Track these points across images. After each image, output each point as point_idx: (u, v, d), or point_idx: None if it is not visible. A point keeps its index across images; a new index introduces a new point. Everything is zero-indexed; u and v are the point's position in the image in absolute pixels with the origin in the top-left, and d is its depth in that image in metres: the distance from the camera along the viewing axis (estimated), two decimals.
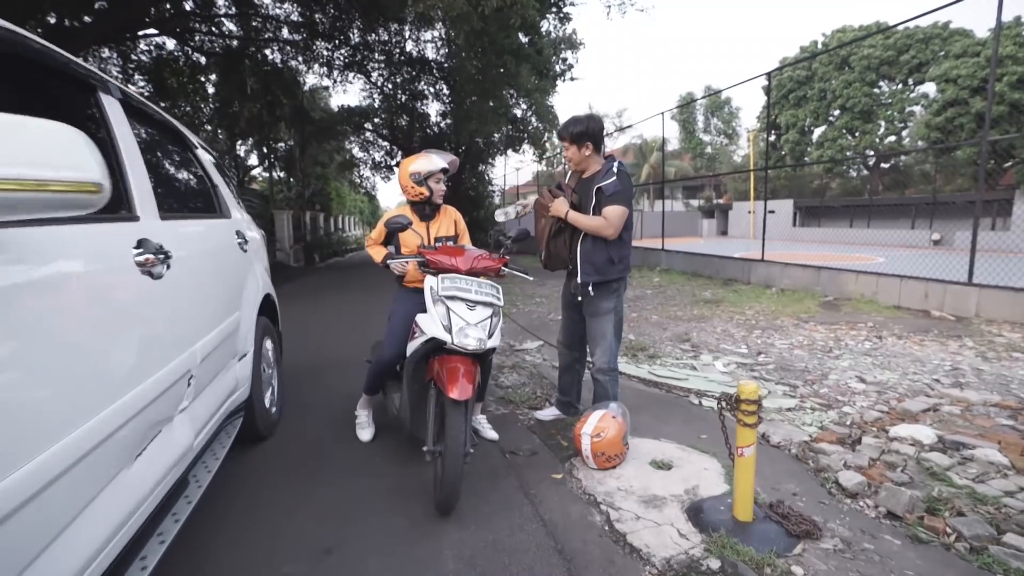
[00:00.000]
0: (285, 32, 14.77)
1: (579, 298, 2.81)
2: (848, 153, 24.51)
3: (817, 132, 26.37)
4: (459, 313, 2.09)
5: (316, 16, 13.73)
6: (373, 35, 14.78)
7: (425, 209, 2.71)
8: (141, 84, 13.41)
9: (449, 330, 2.06)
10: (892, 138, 24.33)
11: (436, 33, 15.80)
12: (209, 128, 16.56)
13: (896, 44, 22.57)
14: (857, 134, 24.86)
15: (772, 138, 29.72)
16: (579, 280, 2.76)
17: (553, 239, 2.84)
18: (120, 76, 12.79)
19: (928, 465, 2.48)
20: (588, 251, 2.71)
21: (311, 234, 20.38)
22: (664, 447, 2.76)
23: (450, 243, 2.67)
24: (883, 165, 26.19)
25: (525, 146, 20.22)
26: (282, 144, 20.96)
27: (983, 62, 18.27)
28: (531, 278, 2.58)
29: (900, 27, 22.90)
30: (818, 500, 2.26)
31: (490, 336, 2.12)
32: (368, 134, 21.99)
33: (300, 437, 2.99)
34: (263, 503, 2.28)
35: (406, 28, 15.01)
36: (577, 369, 3.11)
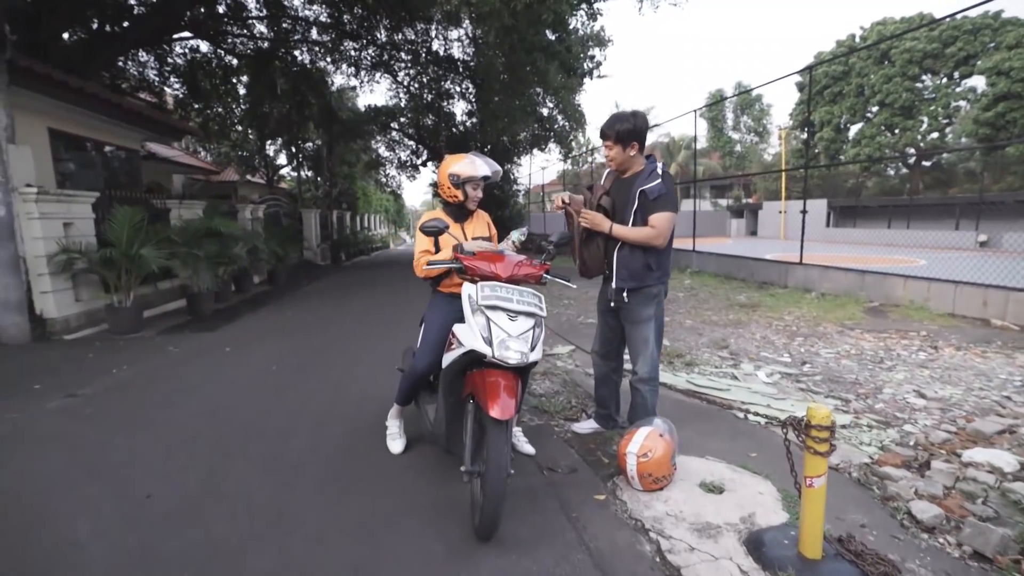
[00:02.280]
0: (314, 33, 14.92)
1: (613, 304, 2.66)
2: (887, 151, 23.50)
3: (854, 129, 25.36)
4: (500, 324, 1.96)
5: (344, 16, 13.83)
6: (400, 35, 14.81)
7: (460, 210, 2.60)
8: (176, 86, 13.74)
9: (489, 342, 1.93)
10: (935, 135, 23.20)
11: (463, 32, 15.76)
12: (240, 128, 16.86)
13: (941, 36, 21.51)
14: (897, 131, 23.81)
15: (805, 136, 28.77)
16: (614, 287, 2.61)
17: (585, 245, 2.70)
18: (157, 78, 13.12)
19: (1016, 497, 2.24)
20: (625, 257, 2.57)
21: (338, 233, 20.59)
22: (713, 467, 2.58)
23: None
24: (924, 163, 25.04)
25: (551, 145, 20.04)
26: (310, 144, 21.25)
27: None
28: (573, 286, 2.43)
29: (947, 19, 21.86)
30: (891, 534, 2.05)
31: (532, 349, 1.99)
32: (394, 133, 22.15)
33: (327, 446, 2.91)
34: (289, 518, 2.19)
35: (433, 27, 15.01)
36: (614, 380, 2.95)
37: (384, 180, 27.21)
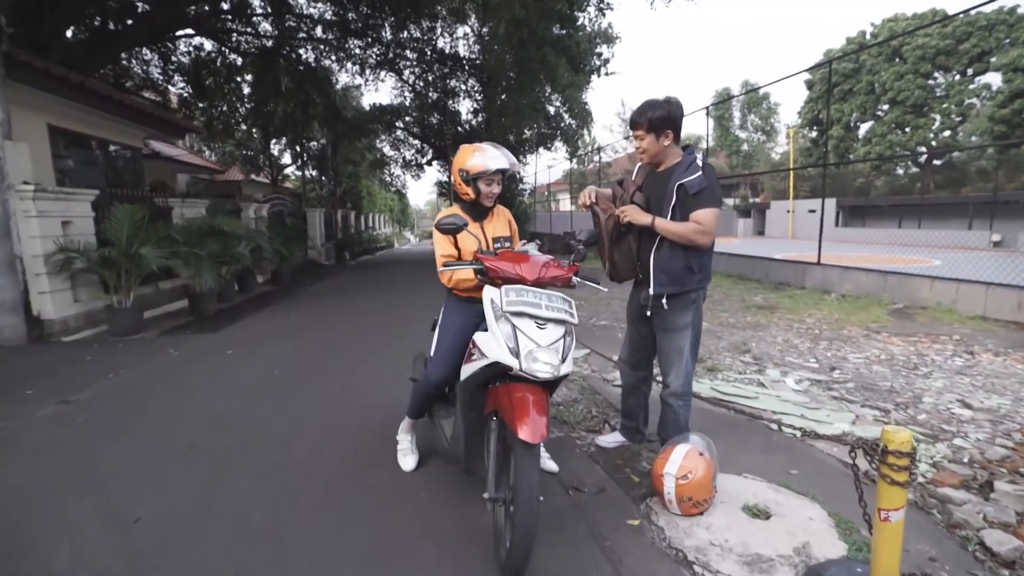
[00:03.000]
0: (319, 31, 14.76)
1: (649, 312, 2.42)
2: (898, 150, 23.15)
3: (864, 127, 25.01)
4: (527, 332, 1.74)
5: (349, 15, 13.66)
6: (405, 32, 14.64)
7: (477, 208, 2.37)
8: (180, 85, 13.60)
9: (516, 353, 1.71)
10: (947, 133, 22.82)
11: (468, 28, 15.58)
12: (244, 127, 16.73)
13: (955, 32, 21.14)
14: (908, 129, 23.44)
15: (814, 134, 28.44)
16: (651, 291, 2.37)
17: (615, 245, 2.46)
18: (161, 77, 12.98)
19: None
20: (664, 258, 2.32)
21: (342, 232, 20.45)
22: (753, 487, 2.36)
23: (507, 245, 2.32)
24: (935, 162, 24.66)
25: (558, 143, 19.83)
26: (315, 143, 21.11)
27: None
28: (605, 289, 2.20)
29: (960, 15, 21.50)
30: (966, 570, 1.83)
31: (563, 360, 1.77)
32: (399, 132, 21.99)
33: (332, 460, 2.70)
34: (291, 544, 1.99)
35: (438, 24, 14.82)
36: (643, 391, 2.73)
37: (389, 179, 27.08)
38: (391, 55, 15.77)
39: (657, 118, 2.24)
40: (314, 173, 22.91)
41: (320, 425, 3.18)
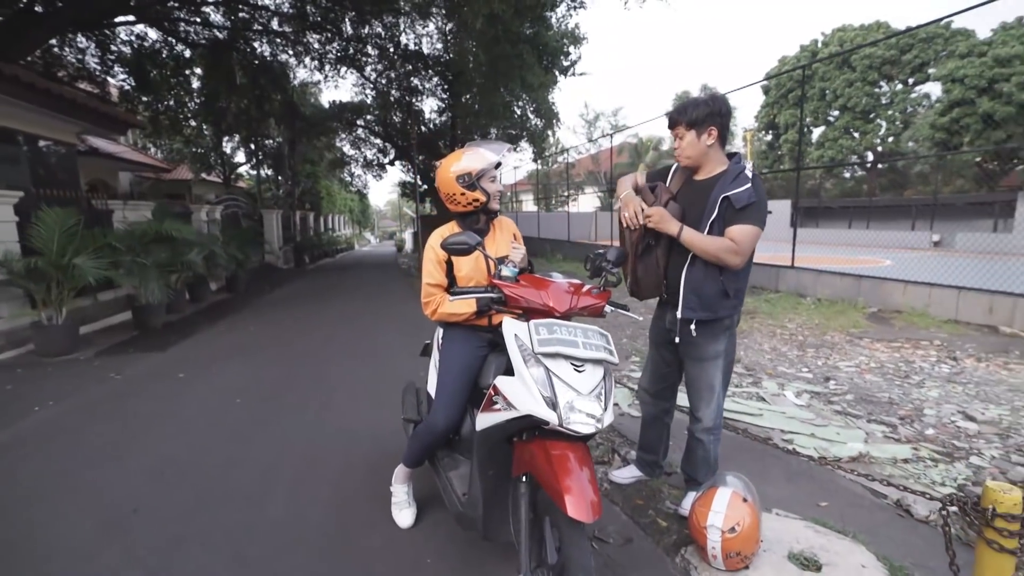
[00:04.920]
0: (275, 24, 13.96)
1: (677, 338, 2.16)
2: (849, 155, 24.22)
3: (817, 132, 26.05)
4: (565, 378, 1.44)
5: (307, 7, 12.98)
6: (367, 28, 14.06)
7: (478, 221, 2.06)
8: (122, 77, 12.52)
9: (553, 405, 1.41)
10: (892, 139, 24.08)
11: (432, 25, 15.11)
12: (194, 123, 15.65)
13: (899, 43, 22.28)
14: (857, 134, 24.58)
15: (770, 138, 29.44)
16: (679, 316, 2.09)
17: (641, 259, 2.18)
18: (99, 67, 11.90)
19: None
20: (697, 279, 2.03)
21: (301, 234, 19.56)
22: (792, 529, 2.14)
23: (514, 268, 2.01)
24: (880, 166, 25.99)
25: (523, 143, 19.60)
26: (271, 141, 20.08)
27: (990, 62, 17.99)
28: (639, 318, 1.92)
29: (903, 28, 22.70)
30: None
31: (605, 409, 1.48)
32: (360, 131, 21.21)
33: (315, 520, 2.29)
34: None
35: (401, 21, 14.30)
36: (666, 422, 2.47)
37: (349, 179, 26.14)
38: (352, 51, 15.13)
39: (700, 116, 1.96)
40: (270, 173, 21.82)
41: (294, 471, 2.75)
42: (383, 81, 17.07)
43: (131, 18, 11.19)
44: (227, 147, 20.16)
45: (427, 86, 17.27)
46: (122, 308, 7.10)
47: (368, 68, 16.59)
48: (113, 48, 11.90)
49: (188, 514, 2.34)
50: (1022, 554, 1.32)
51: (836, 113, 24.89)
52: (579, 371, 1.47)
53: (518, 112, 17.07)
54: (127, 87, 12.72)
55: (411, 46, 15.51)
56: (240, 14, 13.05)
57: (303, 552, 2.06)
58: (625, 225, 2.13)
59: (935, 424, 3.35)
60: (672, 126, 2.05)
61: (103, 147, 12.72)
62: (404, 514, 2.19)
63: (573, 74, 14.93)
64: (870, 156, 25.19)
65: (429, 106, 18.27)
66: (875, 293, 6.83)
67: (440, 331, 2.16)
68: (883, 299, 6.72)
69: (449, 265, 2.00)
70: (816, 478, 2.68)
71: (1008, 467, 2.73)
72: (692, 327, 2.08)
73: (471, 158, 1.96)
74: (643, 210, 2.06)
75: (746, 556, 1.84)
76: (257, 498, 2.46)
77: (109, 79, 12.42)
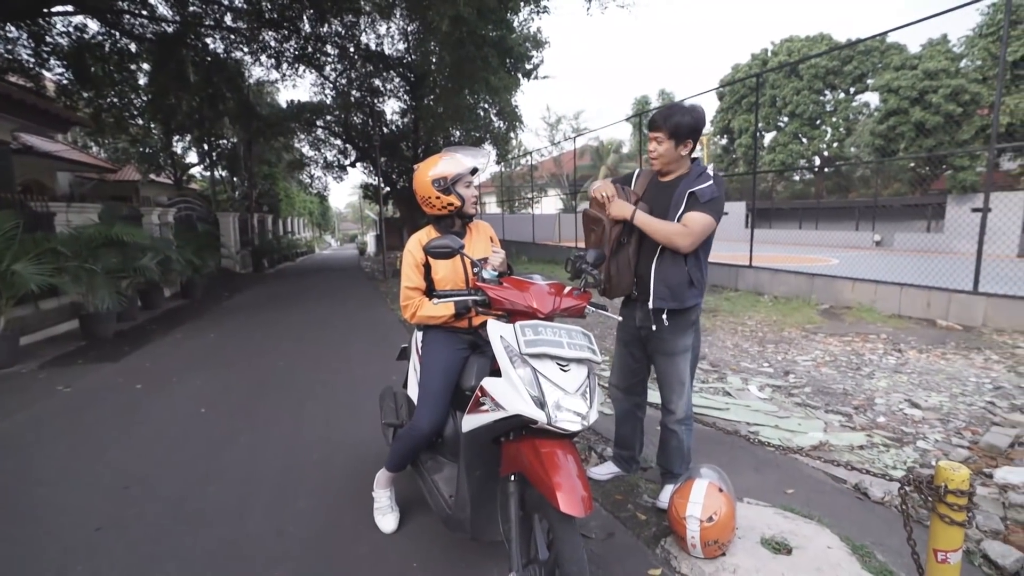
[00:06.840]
0: (228, 19, 13.45)
1: (651, 328, 2.22)
2: (798, 159, 25.49)
3: (769, 137, 27.27)
4: (551, 378, 1.48)
5: (263, 3, 12.58)
6: (326, 26, 13.75)
7: (454, 225, 2.08)
8: (59, 71, 11.76)
9: (542, 404, 1.45)
10: (836, 144, 25.50)
11: (394, 26, 14.95)
12: (141, 121, 14.87)
13: (841, 54, 23.61)
14: (805, 140, 25.88)
15: (724, 142, 30.62)
16: (651, 307, 2.18)
17: (614, 257, 2.26)
18: (33, 60, 11.14)
19: None
20: (664, 269, 2.15)
21: (259, 238, 18.92)
22: (763, 515, 2.26)
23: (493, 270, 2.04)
24: (826, 170, 27.50)
25: (487, 146, 19.63)
26: (225, 141, 19.32)
27: (920, 74, 19.32)
28: (619, 318, 1.99)
29: (844, 39, 24.07)
30: None
31: (590, 406, 1.53)
32: (320, 132, 20.70)
33: (298, 533, 2.23)
34: None
35: (361, 20, 14.07)
36: (639, 417, 2.56)
37: (309, 181, 25.47)
38: (311, 49, 14.77)
39: (684, 125, 2.07)
40: (224, 174, 20.98)
41: (270, 483, 2.67)
42: (343, 81, 16.75)
43: (69, 8, 10.55)
44: (178, 147, 19.30)
45: (389, 87, 17.08)
46: (67, 316, 6.69)
47: (328, 68, 16.25)
48: (48, 39, 11.16)
49: (161, 532, 2.24)
50: (970, 526, 1.45)
51: (786, 119, 26.12)
52: (565, 371, 1.51)
53: (482, 114, 17.10)
54: (65, 81, 11.96)
55: (372, 46, 15.30)
56: (190, 8, 12.51)
57: (289, 566, 2.01)
58: (594, 197, 2.27)
59: (885, 412, 3.59)
60: (653, 128, 2.13)
61: (38, 145, 11.94)
62: (387, 519, 2.17)
63: (536, 77, 15.07)
64: (817, 160, 26.56)
65: (391, 107, 18.09)
66: (827, 290, 7.23)
67: (419, 334, 2.17)
68: (834, 296, 7.12)
69: (427, 268, 2.02)
70: (782, 467, 2.82)
71: (949, 449, 2.96)
72: (664, 317, 2.17)
73: (447, 163, 2.00)
74: (608, 196, 2.21)
75: (723, 544, 1.93)
76: (234, 512, 2.38)
77: (44, 72, 11.65)
